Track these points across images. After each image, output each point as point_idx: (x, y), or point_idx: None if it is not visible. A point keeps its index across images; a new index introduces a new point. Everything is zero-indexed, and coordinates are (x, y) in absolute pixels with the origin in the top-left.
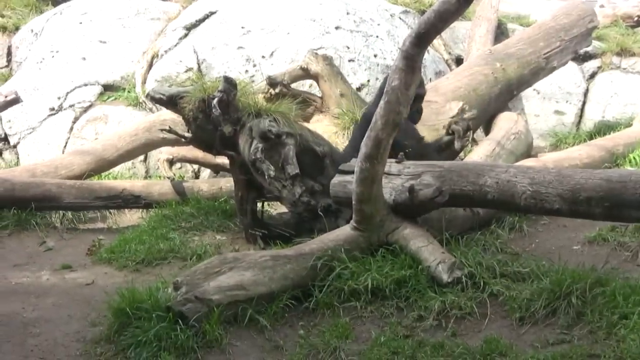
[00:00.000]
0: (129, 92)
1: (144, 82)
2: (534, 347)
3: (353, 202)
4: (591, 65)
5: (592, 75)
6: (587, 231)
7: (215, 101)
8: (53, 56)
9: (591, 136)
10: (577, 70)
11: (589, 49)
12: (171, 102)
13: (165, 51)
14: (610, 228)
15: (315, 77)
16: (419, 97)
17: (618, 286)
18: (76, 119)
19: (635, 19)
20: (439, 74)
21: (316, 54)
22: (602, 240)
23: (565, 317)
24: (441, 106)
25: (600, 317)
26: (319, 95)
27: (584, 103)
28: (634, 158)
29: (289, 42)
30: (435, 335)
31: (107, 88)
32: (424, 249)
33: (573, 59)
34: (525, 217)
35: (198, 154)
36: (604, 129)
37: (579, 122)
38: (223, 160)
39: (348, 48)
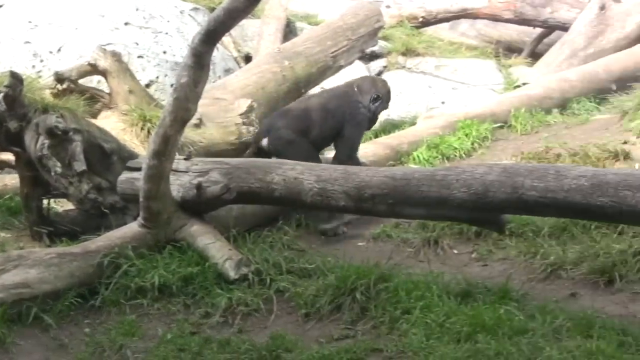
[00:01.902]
0: None
1: None
2: (319, 343)
3: (140, 199)
4: (377, 64)
5: (378, 75)
6: (372, 228)
7: (0, 96)
8: None
9: (377, 134)
10: (363, 69)
11: (375, 48)
12: None
13: None
14: (394, 225)
15: (104, 73)
16: None
17: (401, 282)
18: None
19: (421, 19)
20: (228, 71)
21: (105, 49)
22: (386, 237)
23: (349, 312)
24: (230, 103)
25: (383, 312)
26: (108, 91)
27: None
28: (418, 156)
29: (77, 37)
30: (222, 332)
31: None
32: (211, 245)
33: (360, 58)
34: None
35: None
36: (389, 127)
37: None
38: (8, 156)
39: (137, 44)
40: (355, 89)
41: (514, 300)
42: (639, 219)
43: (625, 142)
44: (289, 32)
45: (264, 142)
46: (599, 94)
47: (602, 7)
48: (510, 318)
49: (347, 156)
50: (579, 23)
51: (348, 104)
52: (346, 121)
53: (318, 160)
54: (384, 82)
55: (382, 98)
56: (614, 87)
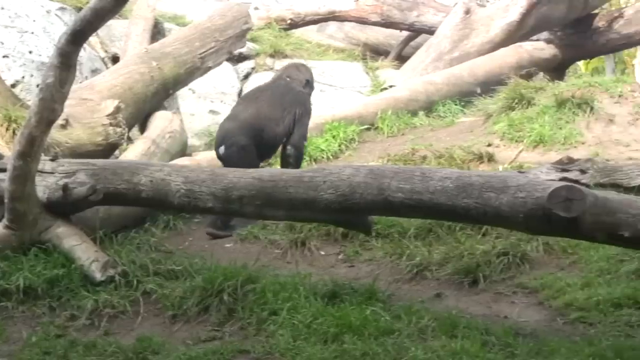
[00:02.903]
0: None
1: None
2: (186, 344)
3: (5, 201)
4: (245, 66)
5: (247, 76)
6: (239, 229)
7: None
8: None
9: None
10: (231, 71)
11: (243, 50)
12: None
13: None
14: (262, 226)
15: None
16: None
17: (268, 283)
18: None
19: (289, 21)
20: (95, 71)
21: None
22: (253, 238)
23: (217, 314)
24: (97, 104)
25: (250, 313)
26: None
27: None
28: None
29: None
30: (88, 335)
31: None
32: (77, 247)
33: (228, 60)
34: (180, 216)
35: None
36: None
37: None
38: None
39: (2, 44)
40: (288, 79)
41: (380, 300)
42: (502, 221)
43: (489, 145)
44: (157, 32)
45: (221, 150)
46: (464, 96)
47: (467, 12)
48: (376, 319)
49: (300, 139)
50: (445, 27)
51: (296, 96)
52: (300, 113)
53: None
54: (306, 66)
55: (310, 82)
56: (478, 90)
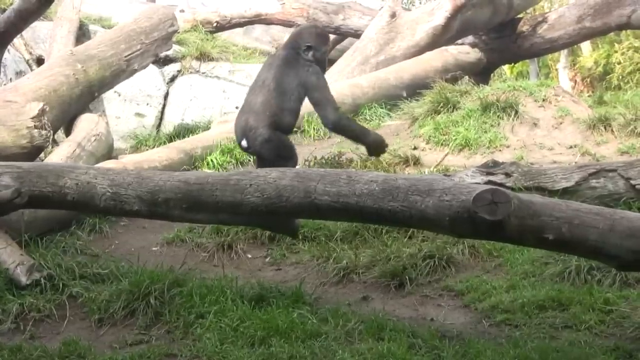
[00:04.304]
0: None
1: None
2: (113, 348)
3: None
4: (172, 68)
5: (173, 79)
6: (165, 232)
7: None
8: None
9: (171, 139)
10: (157, 74)
11: (169, 52)
12: None
13: None
14: (189, 229)
15: None
16: None
17: (195, 286)
18: None
19: (215, 24)
20: (19, 73)
21: None
22: (180, 242)
23: (143, 317)
24: (21, 106)
25: (177, 317)
26: None
27: (164, 106)
28: (212, 160)
29: None
30: (14, 339)
31: None
32: (2, 251)
33: (154, 62)
34: (106, 219)
35: None
36: (184, 131)
37: (159, 124)
38: None
39: None
40: (291, 50)
41: (307, 304)
42: (428, 224)
43: (415, 148)
44: (82, 34)
45: (243, 143)
46: (390, 100)
47: (393, 15)
48: (303, 322)
49: (334, 114)
50: (371, 30)
51: (298, 70)
52: (309, 87)
53: (294, 149)
54: (308, 28)
55: (313, 45)
56: (404, 93)
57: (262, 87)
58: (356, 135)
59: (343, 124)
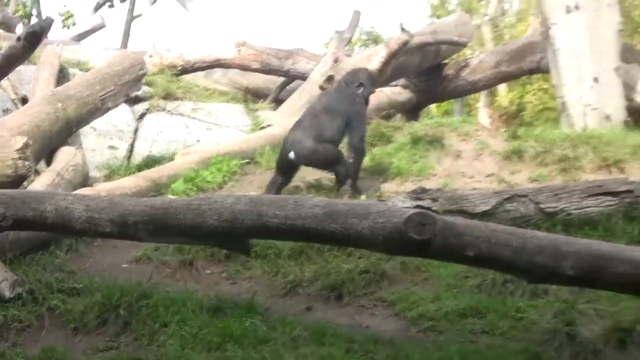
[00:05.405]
0: None
1: None
2: (87, 354)
3: None
4: (141, 107)
5: (142, 116)
6: (134, 251)
7: None
8: None
9: (140, 168)
10: (128, 111)
11: (139, 92)
12: None
13: None
14: (155, 248)
15: None
16: None
17: (160, 299)
18: None
19: (180, 67)
20: (6, 111)
21: None
22: (147, 259)
23: (114, 326)
24: (7, 140)
25: (144, 325)
26: None
27: (134, 140)
28: (176, 188)
29: None
30: None
31: None
32: None
33: (126, 101)
34: (82, 239)
35: None
36: (151, 162)
37: (130, 156)
38: None
39: None
40: (344, 85)
41: (258, 313)
42: (364, 243)
43: None
44: (62, 77)
45: (291, 155)
46: None
47: (336, 60)
48: (255, 329)
49: (359, 140)
50: (316, 73)
51: (346, 101)
52: (351, 115)
53: (341, 154)
54: (363, 70)
55: (364, 83)
56: None
57: (312, 109)
58: (358, 166)
59: (360, 150)
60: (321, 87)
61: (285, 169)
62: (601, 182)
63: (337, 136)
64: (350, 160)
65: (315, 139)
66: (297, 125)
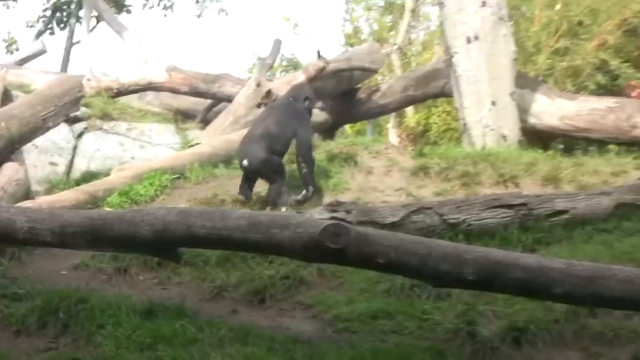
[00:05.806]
0: None
1: None
2: (28, 354)
3: None
4: (80, 126)
5: (80, 135)
6: (73, 259)
7: None
8: None
9: (78, 183)
10: (68, 130)
11: (78, 113)
12: None
13: None
14: (92, 256)
15: None
16: None
17: (97, 303)
18: None
19: (115, 90)
20: None
21: None
22: (85, 266)
23: (53, 328)
24: None
25: (82, 328)
26: None
27: (73, 156)
28: (111, 201)
29: None
30: None
31: None
32: None
33: (65, 121)
34: (24, 248)
35: None
36: (89, 177)
37: (69, 171)
38: None
39: None
40: (292, 100)
41: (187, 316)
42: (284, 251)
43: None
44: (7, 98)
45: (245, 162)
46: None
47: (258, 84)
48: (184, 330)
49: (308, 150)
50: (240, 96)
51: (295, 114)
52: (299, 128)
53: (284, 170)
54: (307, 85)
55: (310, 97)
56: None
57: (263, 121)
58: (312, 173)
59: (311, 159)
60: (260, 104)
61: (246, 175)
62: (498, 195)
63: (285, 148)
64: (305, 171)
65: (267, 150)
66: (250, 136)
